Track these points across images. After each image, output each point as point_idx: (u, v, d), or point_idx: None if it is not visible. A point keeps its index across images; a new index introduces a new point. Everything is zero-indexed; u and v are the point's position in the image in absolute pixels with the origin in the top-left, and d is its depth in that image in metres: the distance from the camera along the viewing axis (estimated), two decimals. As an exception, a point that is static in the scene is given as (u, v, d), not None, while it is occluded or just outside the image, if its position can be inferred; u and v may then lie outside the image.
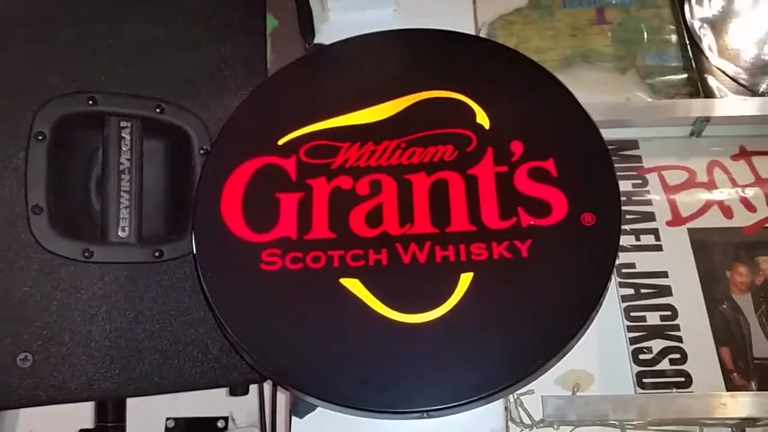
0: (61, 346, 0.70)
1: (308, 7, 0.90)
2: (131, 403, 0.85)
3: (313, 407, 0.73)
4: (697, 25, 0.96)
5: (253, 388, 0.86)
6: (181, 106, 0.78)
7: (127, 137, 0.76)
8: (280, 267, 0.69)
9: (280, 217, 0.71)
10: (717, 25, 0.96)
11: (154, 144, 0.79)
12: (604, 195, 0.69)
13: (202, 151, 0.78)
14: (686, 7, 0.97)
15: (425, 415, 0.63)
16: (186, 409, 1.04)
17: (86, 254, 0.72)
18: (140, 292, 0.73)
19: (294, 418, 0.74)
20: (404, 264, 0.68)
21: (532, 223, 0.69)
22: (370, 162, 0.73)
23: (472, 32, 0.95)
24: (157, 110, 0.77)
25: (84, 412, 0.86)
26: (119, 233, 0.74)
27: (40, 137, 0.72)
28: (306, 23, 0.90)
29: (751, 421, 0.70)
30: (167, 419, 1.04)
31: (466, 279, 0.67)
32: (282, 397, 0.87)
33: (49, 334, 0.70)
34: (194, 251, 0.70)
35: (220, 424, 1.03)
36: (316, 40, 0.92)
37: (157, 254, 0.74)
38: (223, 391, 0.91)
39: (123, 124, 0.76)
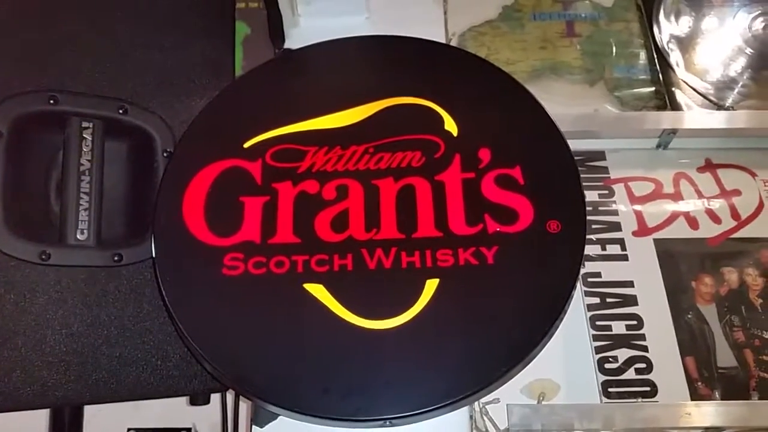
0: (14, 352, 0.67)
1: (278, 12, 0.89)
2: (90, 413, 0.82)
3: (274, 416, 0.72)
4: (665, 40, 0.97)
5: (216, 398, 0.84)
6: (144, 108, 0.77)
7: (89, 138, 0.74)
8: (242, 272, 0.67)
9: (244, 220, 0.70)
10: (684, 41, 0.98)
11: (117, 145, 0.77)
12: (570, 203, 0.69)
13: (165, 154, 0.76)
14: (654, 23, 0.99)
15: (387, 423, 0.62)
16: (148, 420, 1.02)
17: (43, 257, 0.70)
18: (98, 296, 0.71)
19: (254, 428, 0.72)
20: (370, 269, 0.67)
21: (498, 229, 0.68)
22: (337, 167, 0.73)
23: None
24: (120, 111, 0.76)
25: (38, 422, 0.83)
26: (78, 236, 0.72)
27: (-4, 136, 0.70)
28: (276, 28, 0.90)
29: (715, 430, 0.70)
30: (129, 430, 1.01)
31: (431, 285, 0.66)
32: (245, 407, 0.85)
33: (1, 339, 0.67)
34: (153, 254, 0.69)
35: (183, 435, 1.01)
36: (286, 46, 0.92)
37: (116, 258, 0.72)
38: (185, 401, 0.88)
39: (85, 124, 0.74)
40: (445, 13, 1.01)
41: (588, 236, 0.69)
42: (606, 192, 0.85)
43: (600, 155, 0.88)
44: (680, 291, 0.79)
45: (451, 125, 0.75)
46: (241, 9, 0.99)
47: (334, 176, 0.72)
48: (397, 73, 0.80)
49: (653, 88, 0.95)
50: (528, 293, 0.67)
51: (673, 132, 0.86)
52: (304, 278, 0.67)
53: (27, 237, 0.70)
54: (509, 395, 0.72)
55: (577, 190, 0.70)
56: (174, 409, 0.99)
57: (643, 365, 0.75)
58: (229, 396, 0.86)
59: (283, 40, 0.92)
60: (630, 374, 0.74)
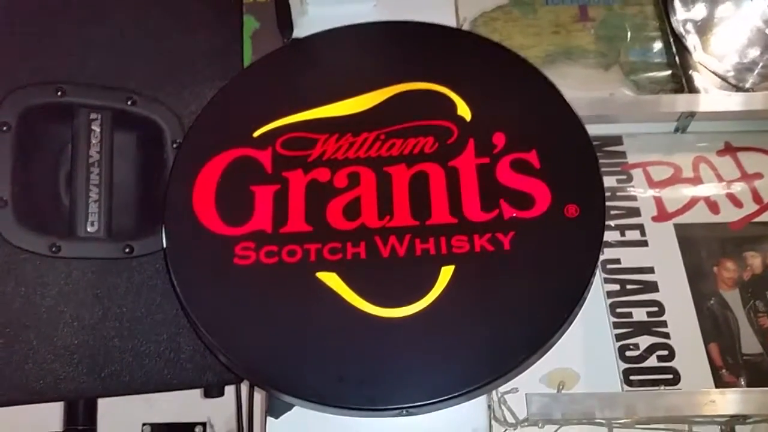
0: (26, 345, 0.67)
1: (286, 1, 0.88)
2: (105, 409, 0.82)
3: (289, 406, 0.71)
4: (681, 23, 0.95)
5: (230, 391, 0.84)
6: (153, 98, 0.76)
7: (97, 129, 0.74)
8: (254, 261, 0.66)
9: (255, 210, 0.69)
10: (701, 24, 0.95)
11: (125, 137, 0.76)
12: (588, 186, 0.68)
13: (174, 145, 0.76)
14: (670, 6, 0.97)
15: (404, 412, 0.61)
16: (163, 415, 1.01)
17: (53, 249, 0.69)
18: (109, 289, 0.71)
19: (269, 419, 0.71)
20: (383, 257, 0.66)
21: (514, 215, 0.67)
22: (349, 154, 0.72)
23: (454, 28, 0.94)
24: (129, 102, 0.75)
25: (54, 416, 0.82)
26: (88, 228, 0.71)
27: (4, 128, 0.70)
28: (284, 17, 0.89)
29: (741, 419, 0.68)
30: (143, 425, 1.01)
31: (447, 272, 0.65)
32: (259, 399, 0.84)
33: (13, 332, 0.67)
34: (164, 246, 0.68)
35: (198, 429, 1.00)
36: (294, 35, 0.91)
37: (127, 250, 0.72)
38: (199, 395, 0.88)
39: (93, 116, 0.74)
40: (456, -2, 0.99)
41: (607, 222, 0.67)
42: (624, 177, 0.84)
43: (617, 140, 0.86)
44: (702, 277, 0.77)
45: (464, 110, 0.73)
46: (250, 3, 0.98)
47: (345, 164, 0.71)
48: (407, 59, 0.79)
49: (670, 72, 0.93)
50: (546, 280, 0.65)
51: (691, 115, 0.84)
52: (317, 267, 0.66)
53: (37, 229, 0.70)
54: (528, 384, 0.70)
55: (595, 173, 0.68)
56: (189, 403, 0.99)
57: (665, 352, 0.73)
58: (243, 388, 0.85)
59: (292, 30, 0.90)
60: (652, 362, 0.72)
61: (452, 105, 0.74)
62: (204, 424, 1.01)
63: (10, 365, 0.66)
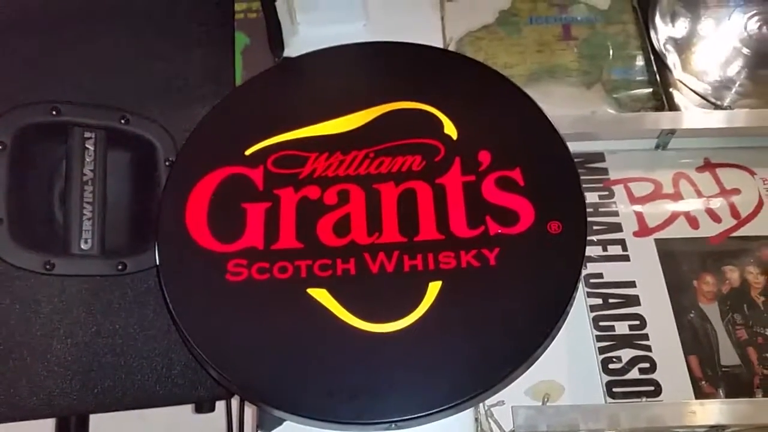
0: (20, 362, 0.68)
1: (277, 20, 0.90)
2: (96, 424, 0.83)
3: (279, 421, 0.72)
4: (662, 42, 0.98)
5: (221, 406, 0.84)
6: (146, 117, 0.77)
7: (91, 148, 0.75)
8: (246, 277, 0.68)
9: (247, 227, 0.70)
10: (681, 42, 0.98)
11: (119, 155, 0.78)
12: (571, 203, 0.70)
13: (167, 163, 0.77)
14: (650, 25, 0.99)
15: (393, 425, 0.62)
16: (154, 430, 1.02)
17: (47, 266, 0.70)
18: (102, 305, 0.72)
19: (260, 433, 0.72)
20: (372, 273, 0.67)
21: (499, 231, 0.69)
22: (338, 172, 0.73)
23: (441, 48, 0.96)
24: (122, 121, 0.76)
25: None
26: (81, 245, 0.72)
27: (0, 147, 0.71)
28: (275, 37, 0.90)
29: (720, 429, 0.70)
30: (133, 440, 1.01)
31: (434, 288, 0.66)
32: (250, 414, 0.85)
33: (7, 349, 0.68)
34: (157, 262, 0.69)
35: (188, 444, 1.01)
36: (285, 54, 0.92)
37: (120, 267, 0.73)
38: (190, 410, 0.88)
39: (87, 134, 0.75)
40: (442, 19, 1.01)
41: (589, 237, 0.69)
42: (606, 193, 0.86)
43: (599, 157, 0.88)
44: (682, 290, 0.79)
45: (450, 129, 0.75)
46: (240, 19, 0.99)
47: (335, 181, 0.72)
48: (396, 79, 0.81)
49: (651, 90, 0.96)
50: (531, 294, 0.67)
51: (672, 132, 0.86)
52: (308, 283, 0.67)
53: (31, 247, 0.71)
54: (514, 397, 0.72)
55: (578, 190, 0.70)
56: (179, 418, 0.99)
57: (646, 365, 0.74)
58: (234, 403, 0.86)
59: (283, 49, 0.92)
60: (634, 374, 0.74)
61: (439, 124, 0.75)
62: (194, 439, 1.01)
63: (4, 382, 0.67)
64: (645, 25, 1.00)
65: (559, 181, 0.71)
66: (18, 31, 0.77)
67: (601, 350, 0.76)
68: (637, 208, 0.85)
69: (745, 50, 0.96)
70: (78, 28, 0.79)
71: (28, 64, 0.76)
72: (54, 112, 0.74)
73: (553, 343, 0.67)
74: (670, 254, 0.81)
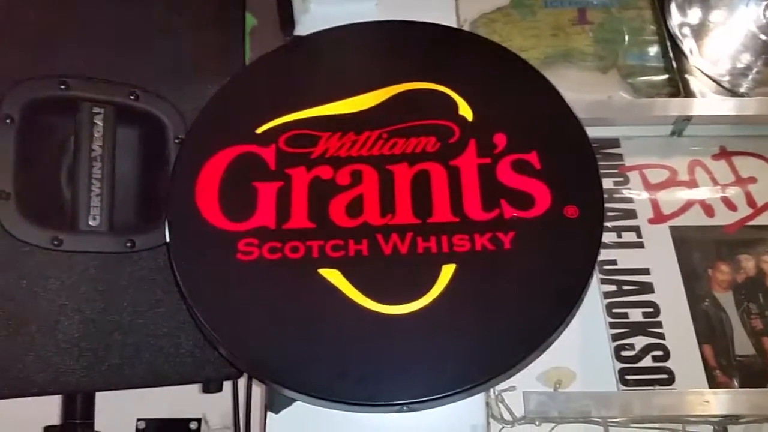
0: (27, 337, 0.67)
1: (288, -1, 0.88)
2: (99, 404, 0.82)
3: (289, 402, 0.71)
4: (678, 27, 0.96)
5: (227, 388, 0.84)
6: (156, 94, 0.76)
7: (100, 124, 0.74)
8: (257, 257, 0.67)
9: (258, 206, 0.69)
10: (697, 28, 0.97)
11: (128, 132, 0.76)
12: (587, 187, 0.69)
13: (177, 141, 0.76)
14: (666, 11, 0.98)
15: (404, 408, 0.61)
16: (157, 410, 1.02)
17: (55, 242, 0.69)
18: (111, 283, 0.71)
19: (269, 414, 0.71)
20: (385, 255, 0.67)
21: (515, 215, 0.68)
22: (351, 152, 0.72)
23: (454, 29, 0.95)
24: (132, 97, 0.75)
25: (50, 409, 0.82)
26: (90, 222, 0.71)
27: (8, 120, 0.70)
28: (286, 15, 0.89)
29: (734, 418, 0.69)
30: (138, 420, 1.01)
31: (448, 270, 0.65)
32: (257, 397, 0.84)
33: (14, 325, 0.67)
34: (167, 240, 0.68)
35: (193, 425, 1.01)
36: (296, 33, 0.91)
37: (128, 244, 0.72)
38: (196, 391, 0.88)
39: (96, 110, 0.74)
40: None
41: (604, 223, 0.68)
42: (621, 179, 0.85)
43: (614, 142, 0.87)
44: (696, 278, 0.78)
45: (465, 110, 0.74)
46: (248, 0, 0.98)
47: (348, 161, 0.71)
48: (410, 59, 0.80)
49: (666, 76, 0.94)
50: (545, 279, 0.66)
51: (687, 119, 0.85)
52: (320, 263, 0.66)
53: (39, 222, 0.70)
54: (526, 383, 0.71)
55: (595, 175, 0.69)
56: (184, 399, 0.99)
57: (660, 353, 0.74)
58: (241, 383, 0.85)
59: (293, 27, 0.91)
60: (647, 362, 0.73)
61: (454, 105, 0.74)
62: (199, 420, 1.01)
63: (11, 358, 0.66)
64: (661, 10, 0.99)
65: (577, 165, 0.70)
66: (28, 5, 0.76)
67: (614, 337, 0.75)
68: (652, 194, 0.84)
69: (763, 36, 0.95)
70: (88, 3, 0.78)
71: (38, 37, 0.74)
72: (63, 87, 0.73)
73: (566, 329, 0.66)
74: (685, 242, 0.80)
